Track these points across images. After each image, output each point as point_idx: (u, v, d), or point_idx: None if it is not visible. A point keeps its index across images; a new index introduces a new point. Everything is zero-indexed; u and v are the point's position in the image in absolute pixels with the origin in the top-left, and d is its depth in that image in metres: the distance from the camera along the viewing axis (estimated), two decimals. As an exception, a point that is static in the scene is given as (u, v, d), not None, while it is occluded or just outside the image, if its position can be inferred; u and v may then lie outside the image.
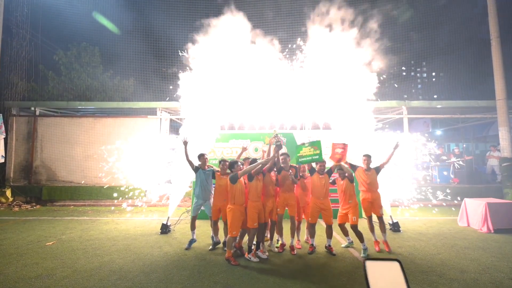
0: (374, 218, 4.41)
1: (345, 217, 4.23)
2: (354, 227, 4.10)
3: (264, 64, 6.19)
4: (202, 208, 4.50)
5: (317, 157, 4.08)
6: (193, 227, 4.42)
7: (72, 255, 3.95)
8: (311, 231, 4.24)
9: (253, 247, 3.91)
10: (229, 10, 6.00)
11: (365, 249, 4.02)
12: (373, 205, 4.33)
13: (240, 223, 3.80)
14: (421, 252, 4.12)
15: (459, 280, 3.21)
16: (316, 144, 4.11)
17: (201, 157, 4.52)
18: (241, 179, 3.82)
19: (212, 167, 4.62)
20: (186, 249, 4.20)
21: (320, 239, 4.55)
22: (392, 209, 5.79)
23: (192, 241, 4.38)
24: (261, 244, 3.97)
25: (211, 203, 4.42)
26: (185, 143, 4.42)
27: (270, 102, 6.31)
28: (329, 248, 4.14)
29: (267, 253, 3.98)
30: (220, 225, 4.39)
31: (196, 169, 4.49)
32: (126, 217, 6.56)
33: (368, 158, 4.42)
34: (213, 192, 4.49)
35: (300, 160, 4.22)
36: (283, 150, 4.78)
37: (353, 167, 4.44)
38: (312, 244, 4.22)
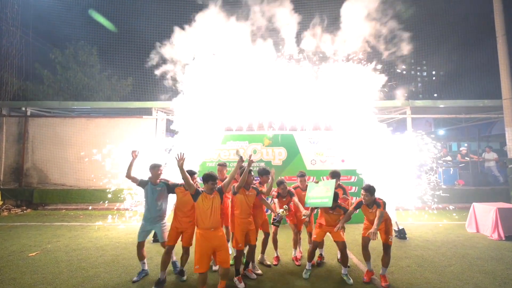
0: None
1: (322, 233, 3.55)
2: (344, 246, 3.40)
3: (264, 63, 5.92)
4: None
5: (326, 200, 3.43)
6: (141, 257, 3.44)
7: (55, 268, 3.66)
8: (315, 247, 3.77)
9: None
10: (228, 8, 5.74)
11: (346, 274, 3.40)
12: (380, 232, 3.41)
13: (206, 256, 2.82)
14: (431, 263, 3.84)
15: (475, 297, 2.94)
16: (329, 185, 3.56)
17: (153, 169, 3.48)
18: (212, 195, 2.94)
19: (168, 181, 3.58)
20: (134, 282, 3.29)
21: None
22: (396, 213, 5.52)
23: (142, 272, 3.44)
24: (250, 263, 3.52)
25: (164, 225, 3.49)
26: (134, 154, 3.50)
27: (269, 102, 6.03)
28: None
29: (256, 272, 3.55)
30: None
31: (142, 184, 3.48)
32: (118, 223, 6.26)
33: (367, 191, 3.31)
34: (166, 213, 3.62)
35: (309, 201, 3.64)
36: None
37: (358, 205, 3.46)
38: (320, 254, 3.93)
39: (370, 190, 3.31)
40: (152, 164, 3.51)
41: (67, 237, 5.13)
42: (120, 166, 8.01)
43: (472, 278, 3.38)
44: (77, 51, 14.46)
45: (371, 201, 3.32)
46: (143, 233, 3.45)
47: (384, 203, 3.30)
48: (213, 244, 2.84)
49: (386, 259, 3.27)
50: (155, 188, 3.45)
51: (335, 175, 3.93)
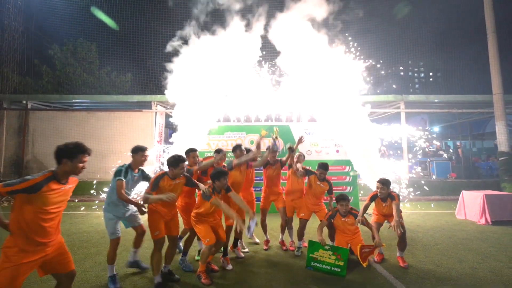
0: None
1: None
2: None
3: (261, 55, 6.09)
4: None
5: (339, 270, 3.03)
6: (112, 259, 2.79)
7: (58, 246, 3.79)
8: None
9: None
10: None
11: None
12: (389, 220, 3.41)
13: (210, 229, 2.89)
14: (419, 242, 4.03)
15: (457, 269, 3.12)
16: (341, 253, 3.09)
17: (140, 151, 2.93)
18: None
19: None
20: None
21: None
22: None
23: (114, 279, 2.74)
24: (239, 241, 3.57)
25: (133, 211, 3.03)
26: None
27: (266, 94, 6.21)
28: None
29: (244, 250, 3.65)
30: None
31: (126, 171, 2.82)
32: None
33: (383, 185, 3.29)
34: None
35: (312, 264, 3.18)
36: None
37: (373, 198, 3.48)
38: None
39: (386, 183, 3.28)
40: (137, 147, 2.97)
41: (67, 223, 5.25)
42: (121, 158, 8.16)
43: (456, 254, 3.57)
44: (76, 47, 14.61)
45: (386, 195, 3.33)
46: (113, 225, 2.86)
47: (398, 196, 3.34)
48: (211, 223, 2.96)
49: (402, 244, 3.26)
50: (135, 175, 2.99)
51: (325, 167, 3.68)
